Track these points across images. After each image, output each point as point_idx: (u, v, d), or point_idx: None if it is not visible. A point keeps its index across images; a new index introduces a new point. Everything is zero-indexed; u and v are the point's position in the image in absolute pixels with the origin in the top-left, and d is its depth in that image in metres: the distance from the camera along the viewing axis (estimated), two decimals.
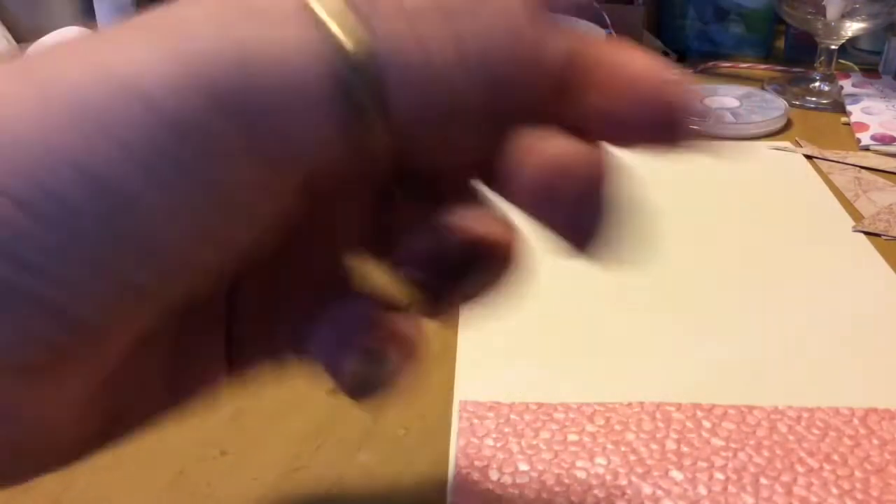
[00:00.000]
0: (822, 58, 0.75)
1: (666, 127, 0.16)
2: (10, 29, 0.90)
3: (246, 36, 0.14)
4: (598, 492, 0.31)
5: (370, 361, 0.18)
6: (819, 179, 0.59)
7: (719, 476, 0.32)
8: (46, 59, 0.15)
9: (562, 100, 0.16)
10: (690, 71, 0.82)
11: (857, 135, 0.66)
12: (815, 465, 0.33)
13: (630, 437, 0.34)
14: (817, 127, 0.70)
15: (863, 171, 0.61)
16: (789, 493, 0.31)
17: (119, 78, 0.14)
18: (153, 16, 0.15)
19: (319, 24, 0.14)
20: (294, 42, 0.14)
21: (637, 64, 0.16)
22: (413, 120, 0.15)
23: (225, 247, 0.15)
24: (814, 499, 0.31)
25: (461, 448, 0.33)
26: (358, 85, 0.14)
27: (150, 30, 0.14)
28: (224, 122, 0.14)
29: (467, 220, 0.18)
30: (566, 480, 0.32)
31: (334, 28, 0.14)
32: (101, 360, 0.16)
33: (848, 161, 0.62)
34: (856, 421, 0.35)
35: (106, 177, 0.14)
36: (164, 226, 0.14)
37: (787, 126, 0.69)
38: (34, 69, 0.14)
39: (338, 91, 0.14)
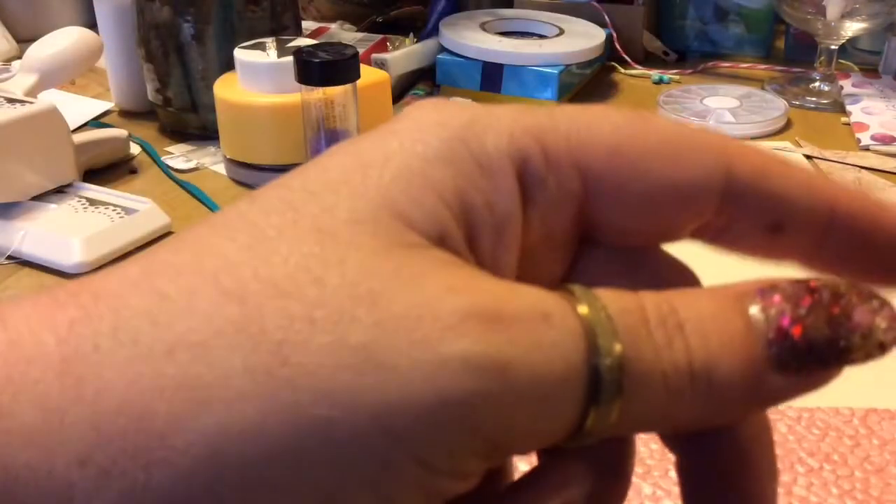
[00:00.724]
0: (822, 58, 0.75)
1: None
2: (10, 29, 0.90)
3: (507, 343, 0.14)
4: None
5: None
6: None
7: None
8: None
9: None
10: (690, 71, 0.82)
11: (857, 135, 0.66)
12: (815, 465, 0.33)
13: None
14: (817, 127, 0.70)
15: (863, 171, 0.61)
16: (789, 493, 0.31)
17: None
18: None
19: (589, 332, 0.14)
20: (556, 348, 0.14)
21: None
22: (635, 422, 0.15)
23: None
24: (814, 499, 0.31)
25: None
26: (605, 391, 0.14)
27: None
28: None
29: None
30: None
31: (601, 338, 0.14)
32: None
33: (848, 161, 0.62)
34: (856, 421, 0.35)
35: None
36: None
37: (787, 126, 0.69)
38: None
39: (586, 393, 0.14)
